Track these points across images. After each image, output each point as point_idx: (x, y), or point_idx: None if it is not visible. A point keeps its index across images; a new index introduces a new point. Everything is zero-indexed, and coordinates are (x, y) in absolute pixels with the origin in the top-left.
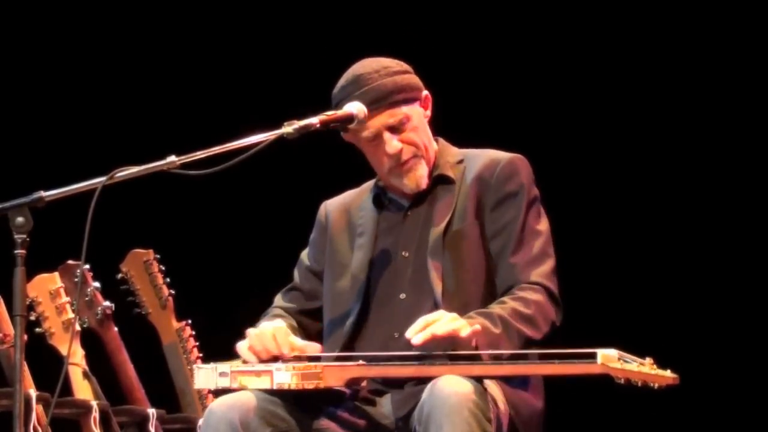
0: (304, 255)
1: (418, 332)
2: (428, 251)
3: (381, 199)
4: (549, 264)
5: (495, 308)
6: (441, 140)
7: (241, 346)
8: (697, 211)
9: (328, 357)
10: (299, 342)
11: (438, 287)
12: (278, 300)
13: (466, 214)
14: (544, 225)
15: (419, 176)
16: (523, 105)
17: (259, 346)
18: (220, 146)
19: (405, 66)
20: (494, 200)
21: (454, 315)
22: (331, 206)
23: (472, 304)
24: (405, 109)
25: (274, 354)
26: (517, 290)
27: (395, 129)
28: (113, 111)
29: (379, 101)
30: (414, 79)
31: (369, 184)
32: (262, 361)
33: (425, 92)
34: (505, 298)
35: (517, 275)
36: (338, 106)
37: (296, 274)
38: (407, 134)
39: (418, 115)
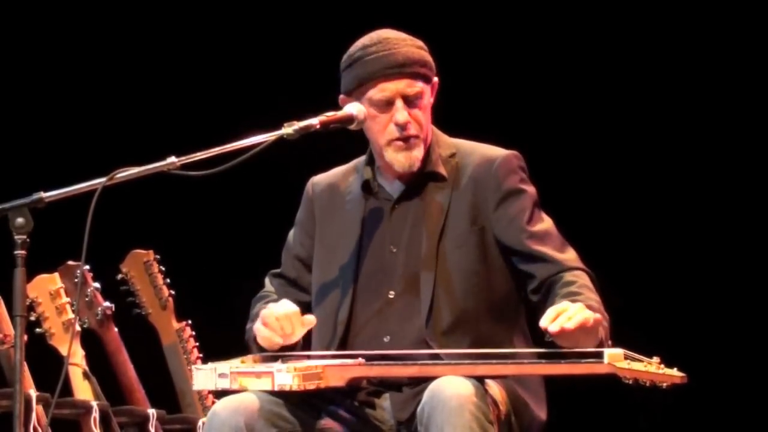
0: (292, 237)
1: (552, 321)
2: (421, 261)
3: (370, 184)
4: (573, 249)
5: (589, 301)
6: (434, 129)
7: (260, 328)
8: (703, 208)
9: (328, 356)
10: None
11: (427, 301)
12: (268, 284)
13: (461, 221)
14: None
15: (415, 157)
16: (522, 100)
17: (276, 325)
18: (221, 147)
19: (425, 46)
20: (496, 200)
21: (581, 305)
22: (318, 186)
23: (466, 316)
24: (422, 85)
25: (289, 334)
26: (570, 276)
27: (409, 101)
28: (113, 111)
29: (404, 67)
30: (431, 60)
31: (357, 162)
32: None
33: (436, 78)
34: (573, 288)
35: (556, 263)
36: (353, 67)
37: (283, 258)
38: (417, 111)
39: (428, 97)
